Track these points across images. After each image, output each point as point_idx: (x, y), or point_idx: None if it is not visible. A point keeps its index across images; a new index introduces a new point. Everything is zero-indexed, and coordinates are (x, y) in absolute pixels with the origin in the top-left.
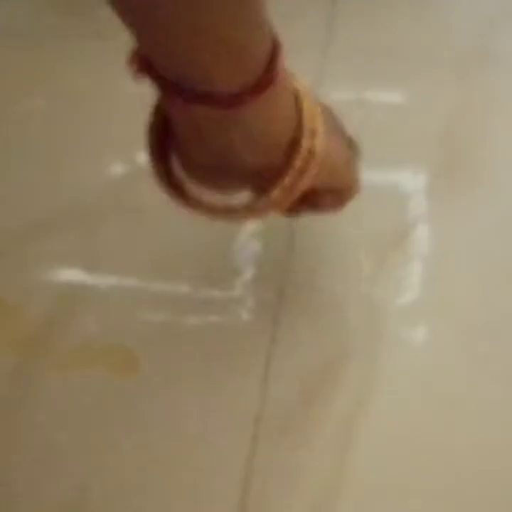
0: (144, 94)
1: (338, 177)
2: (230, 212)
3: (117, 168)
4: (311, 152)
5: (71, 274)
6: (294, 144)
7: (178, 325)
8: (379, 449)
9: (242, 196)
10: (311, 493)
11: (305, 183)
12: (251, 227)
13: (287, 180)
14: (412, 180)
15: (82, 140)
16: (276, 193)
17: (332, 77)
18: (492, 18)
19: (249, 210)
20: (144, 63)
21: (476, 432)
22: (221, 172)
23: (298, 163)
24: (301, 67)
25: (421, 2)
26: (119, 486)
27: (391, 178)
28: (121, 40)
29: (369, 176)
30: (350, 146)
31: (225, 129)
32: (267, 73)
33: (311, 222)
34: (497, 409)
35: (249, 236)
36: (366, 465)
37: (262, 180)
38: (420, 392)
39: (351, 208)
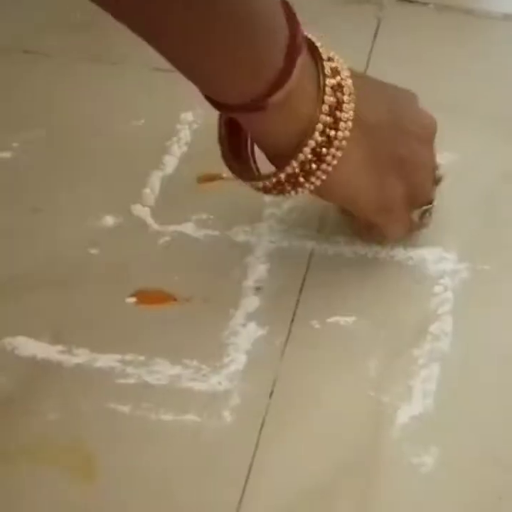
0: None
1: (356, 207)
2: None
3: (108, 220)
4: (317, 155)
5: (37, 347)
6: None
7: (150, 422)
8: None
9: None
10: None
11: (312, 182)
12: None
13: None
14: (440, 262)
15: (73, 182)
16: (274, 180)
17: None
18: None
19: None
20: None
21: None
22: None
23: (301, 157)
24: None
25: (467, 55)
26: None
27: (416, 256)
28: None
29: (393, 251)
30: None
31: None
32: (287, 64)
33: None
34: None
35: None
36: None
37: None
38: None
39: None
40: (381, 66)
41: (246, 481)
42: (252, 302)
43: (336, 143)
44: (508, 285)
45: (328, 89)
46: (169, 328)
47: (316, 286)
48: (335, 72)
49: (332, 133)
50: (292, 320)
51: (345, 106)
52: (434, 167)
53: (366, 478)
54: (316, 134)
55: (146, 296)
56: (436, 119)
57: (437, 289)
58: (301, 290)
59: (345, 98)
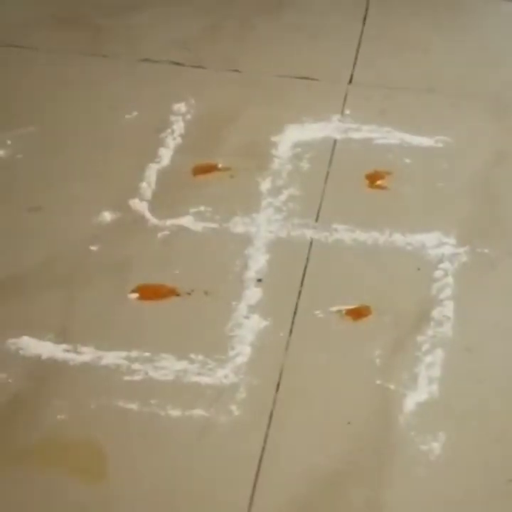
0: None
1: None
2: None
3: (106, 216)
4: None
5: (42, 347)
6: None
7: (159, 418)
8: None
9: None
10: None
11: None
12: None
13: None
14: (439, 247)
15: (69, 179)
16: None
17: (355, 110)
18: None
19: None
20: None
21: None
22: None
23: None
24: (327, 97)
25: (458, 34)
26: None
27: (415, 241)
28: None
29: (392, 238)
30: None
31: None
32: None
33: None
34: None
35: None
36: None
37: None
38: None
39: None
40: (371, 51)
41: (256, 476)
42: (254, 294)
43: None
44: (507, 267)
45: None
46: (173, 323)
47: (318, 275)
48: None
49: None
50: (295, 310)
51: None
52: None
53: (377, 467)
54: None
55: (148, 292)
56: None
57: (438, 274)
58: (302, 280)
59: None
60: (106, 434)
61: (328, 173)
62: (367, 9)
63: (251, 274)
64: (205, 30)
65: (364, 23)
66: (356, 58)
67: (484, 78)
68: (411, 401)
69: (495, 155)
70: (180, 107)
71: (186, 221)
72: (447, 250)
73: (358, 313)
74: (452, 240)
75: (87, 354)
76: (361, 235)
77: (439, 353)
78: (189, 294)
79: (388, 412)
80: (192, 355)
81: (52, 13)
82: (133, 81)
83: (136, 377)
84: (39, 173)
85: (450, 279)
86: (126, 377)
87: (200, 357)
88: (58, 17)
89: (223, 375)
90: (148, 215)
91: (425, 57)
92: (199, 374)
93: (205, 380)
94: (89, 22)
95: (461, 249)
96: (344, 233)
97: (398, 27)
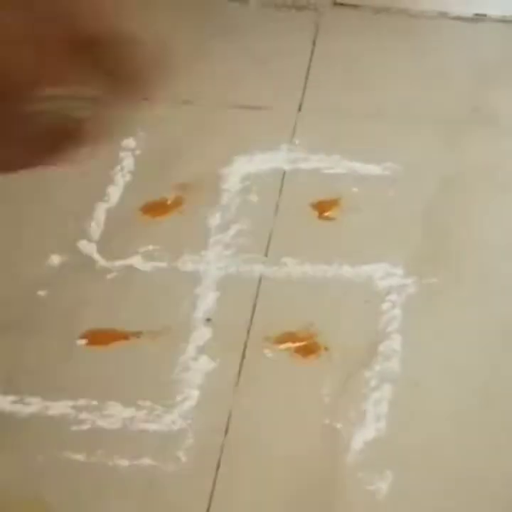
0: None
1: None
2: None
3: (54, 259)
4: None
5: None
6: None
7: (106, 469)
8: None
9: None
10: None
11: None
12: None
13: None
14: (387, 278)
15: (15, 222)
16: None
17: (304, 138)
18: (484, 76)
19: None
20: None
21: None
22: None
23: None
24: (276, 126)
25: (405, 56)
26: None
27: (363, 273)
28: None
29: (341, 270)
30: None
31: None
32: None
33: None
34: None
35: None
36: None
37: None
38: None
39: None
40: (321, 73)
41: None
42: (202, 334)
43: None
44: (455, 297)
45: None
46: (121, 369)
47: (267, 312)
48: None
49: None
50: (244, 350)
51: None
52: None
53: (325, 509)
54: None
55: (96, 337)
56: None
57: (385, 306)
58: (251, 318)
59: None
60: (53, 489)
61: (277, 205)
62: (316, 33)
63: (199, 313)
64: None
65: (313, 47)
66: (305, 84)
67: (433, 102)
68: (359, 439)
69: (442, 181)
70: (129, 142)
71: (135, 261)
72: (395, 281)
73: (307, 351)
74: (400, 271)
75: (34, 405)
76: (310, 268)
77: (386, 389)
78: (138, 337)
79: (336, 452)
80: (140, 402)
81: None
82: None
83: (84, 427)
84: None
85: (398, 311)
86: (74, 427)
87: (148, 403)
88: None
89: (171, 420)
90: (96, 256)
91: (374, 81)
92: (147, 421)
93: (152, 427)
94: None
95: (409, 280)
96: (293, 267)
97: (347, 50)
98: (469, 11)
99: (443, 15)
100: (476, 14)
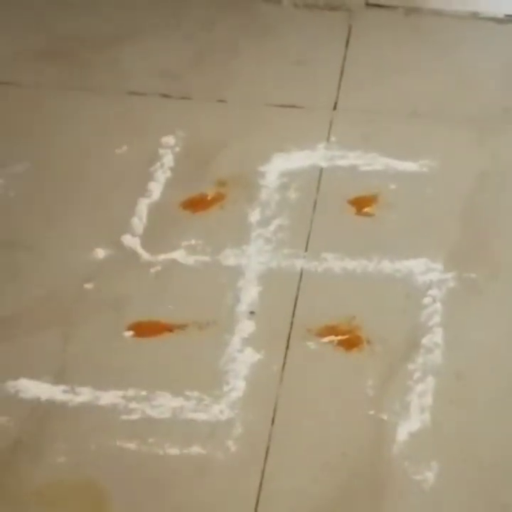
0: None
1: None
2: None
3: (99, 253)
4: None
5: (40, 389)
6: None
7: (158, 457)
8: None
9: None
10: None
11: None
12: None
13: None
14: (427, 273)
15: (61, 216)
16: None
17: (340, 137)
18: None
19: None
20: None
21: None
22: None
23: None
24: (312, 124)
25: (436, 55)
26: None
27: (403, 268)
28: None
29: (381, 265)
30: None
31: None
32: None
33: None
34: None
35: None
36: None
37: None
38: None
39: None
40: (355, 72)
41: (255, 509)
42: (247, 327)
43: None
44: (494, 291)
45: None
46: (168, 360)
47: (309, 306)
48: None
49: None
50: (288, 342)
51: None
52: None
53: (371, 499)
54: None
55: (142, 329)
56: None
57: (426, 300)
58: (294, 311)
59: None
60: (106, 476)
61: (315, 201)
62: (349, 33)
63: (243, 306)
64: (191, 59)
65: (347, 48)
66: (340, 84)
67: (467, 100)
68: (404, 430)
69: (479, 178)
70: (169, 139)
71: (178, 255)
72: (435, 276)
73: (349, 344)
74: (439, 266)
75: (84, 394)
76: (350, 263)
77: (430, 381)
78: (183, 329)
79: (381, 443)
80: (187, 392)
81: (39, 48)
82: (121, 115)
83: (134, 417)
84: (31, 212)
85: (438, 306)
86: (124, 417)
87: (196, 393)
88: (44, 52)
89: (219, 410)
90: (140, 250)
91: (408, 80)
92: (195, 410)
93: (201, 416)
94: (75, 56)
95: (449, 275)
96: (333, 262)
97: (380, 50)
98: (501, 12)
99: (474, 15)
100: (507, 15)
